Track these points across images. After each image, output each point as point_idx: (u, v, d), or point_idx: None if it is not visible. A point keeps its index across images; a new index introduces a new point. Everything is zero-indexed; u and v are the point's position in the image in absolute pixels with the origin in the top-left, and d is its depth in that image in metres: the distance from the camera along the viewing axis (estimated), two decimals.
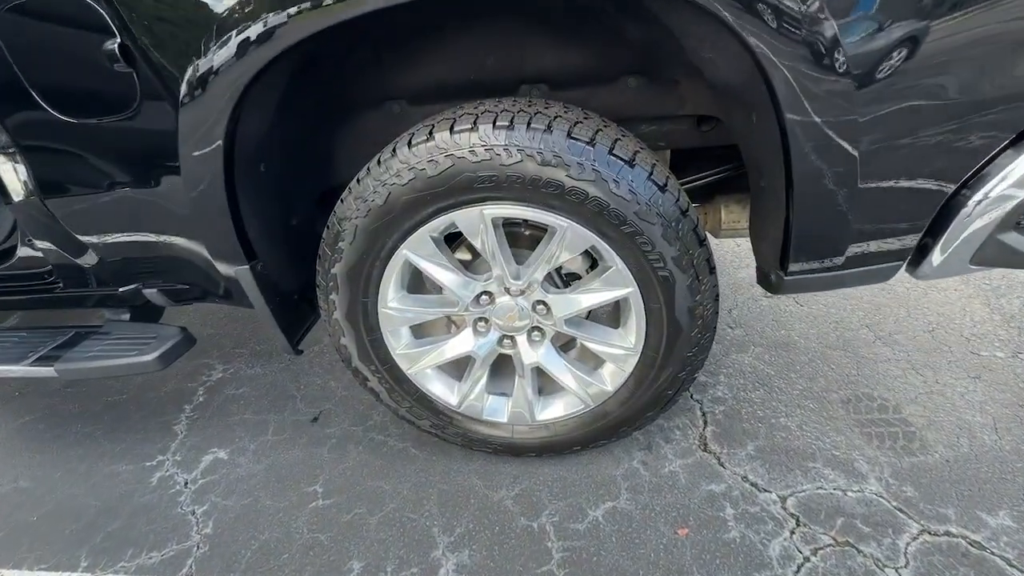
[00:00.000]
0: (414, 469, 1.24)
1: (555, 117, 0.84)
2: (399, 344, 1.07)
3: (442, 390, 1.14)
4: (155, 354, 1.15)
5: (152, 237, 1.03)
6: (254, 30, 0.74)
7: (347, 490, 1.21)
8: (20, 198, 1.03)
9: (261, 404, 1.51)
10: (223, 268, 1.03)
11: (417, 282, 1.09)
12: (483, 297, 1.01)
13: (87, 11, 0.78)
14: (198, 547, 1.12)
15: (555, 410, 1.13)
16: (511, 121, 0.82)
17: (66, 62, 0.85)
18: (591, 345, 1.04)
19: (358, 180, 0.92)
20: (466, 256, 1.12)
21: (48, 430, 1.50)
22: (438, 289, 1.04)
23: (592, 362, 1.11)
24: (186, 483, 1.28)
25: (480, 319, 1.05)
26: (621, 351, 1.01)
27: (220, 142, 0.85)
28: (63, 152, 0.95)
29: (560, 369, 1.07)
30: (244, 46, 0.75)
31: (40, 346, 1.22)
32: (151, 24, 0.78)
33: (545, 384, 1.14)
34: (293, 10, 0.72)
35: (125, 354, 1.17)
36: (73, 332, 1.27)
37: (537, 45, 1.01)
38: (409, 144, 0.86)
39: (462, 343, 1.08)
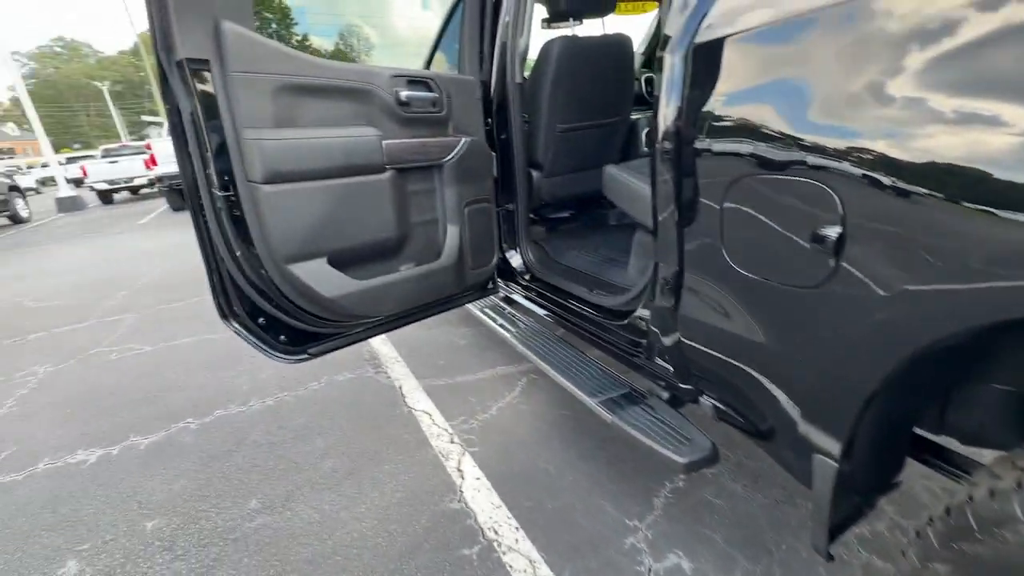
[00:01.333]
0: None
1: None
2: None
3: None
4: (685, 459, 1.22)
5: (750, 370, 1.04)
6: None
7: None
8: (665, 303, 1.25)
9: (733, 534, 1.43)
10: (808, 436, 0.94)
11: None
12: None
13: (818, 194, 0.78)
14: None
15: None
16: None
17: (771, 230, 0.90)
18: None
19: None
20: None
21: (570, 433, 1.94)
22: None
23: None
24: (650, 571, 1.35)
25: None
26: None
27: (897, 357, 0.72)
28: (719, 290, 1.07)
29: None
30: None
31: (608, 390, 1.53)
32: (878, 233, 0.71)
33: None
34: None
35: (662, 442, 1.29)
36: (628, 390, 1.52)
37: None
38: None
39: None
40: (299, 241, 1.34)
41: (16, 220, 10.89)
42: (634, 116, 2.37)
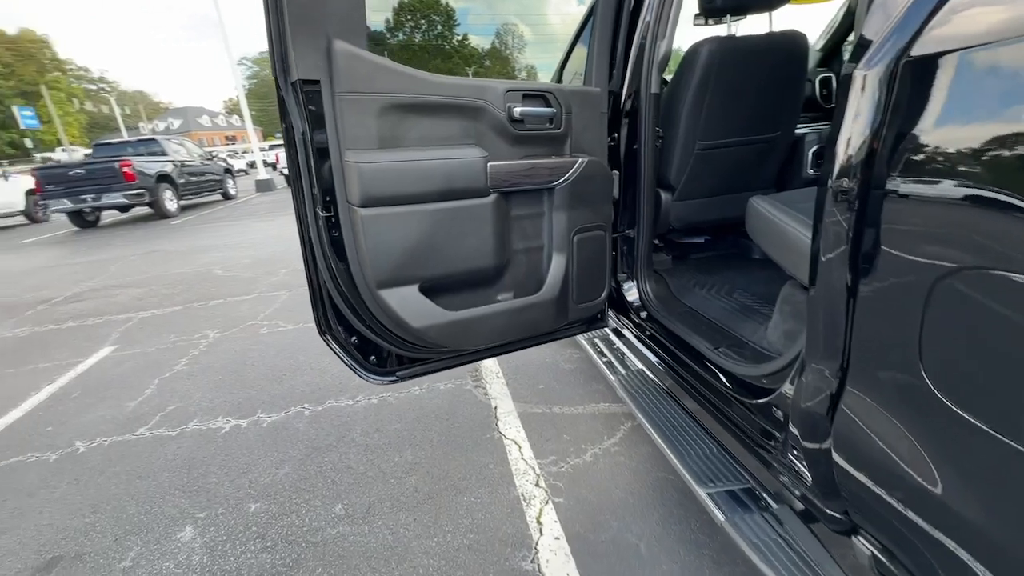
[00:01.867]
0: None
1: None
2: None
3: None
4: None
5: (947, 541, 0.71)
6: None
7: None
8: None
9: None
10: None
11: None
12: None
13: None
14: None
15: None
16: None
17: None
18: None
19: None
20: None
21: (674, 507, 1.65)
22: None
23: None
24: None
25: None
26: None
27: None
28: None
29: None
30: None
31: (724, 478, 1.24)
32: None
33: None
34: None
35: (791, 569, 0.98)
36: (750, 485, 1.21)
37: None
38: None
39: None
40: (392, 267, 1.28)
41: (226, 196, 13.32)
42: (800, 129, 1.93)
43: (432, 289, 1.37)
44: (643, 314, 1.77)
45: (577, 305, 1.64)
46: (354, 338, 1.43)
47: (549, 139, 1.47)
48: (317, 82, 1.15)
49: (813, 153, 1.89)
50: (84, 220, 10.17)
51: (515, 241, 1.49)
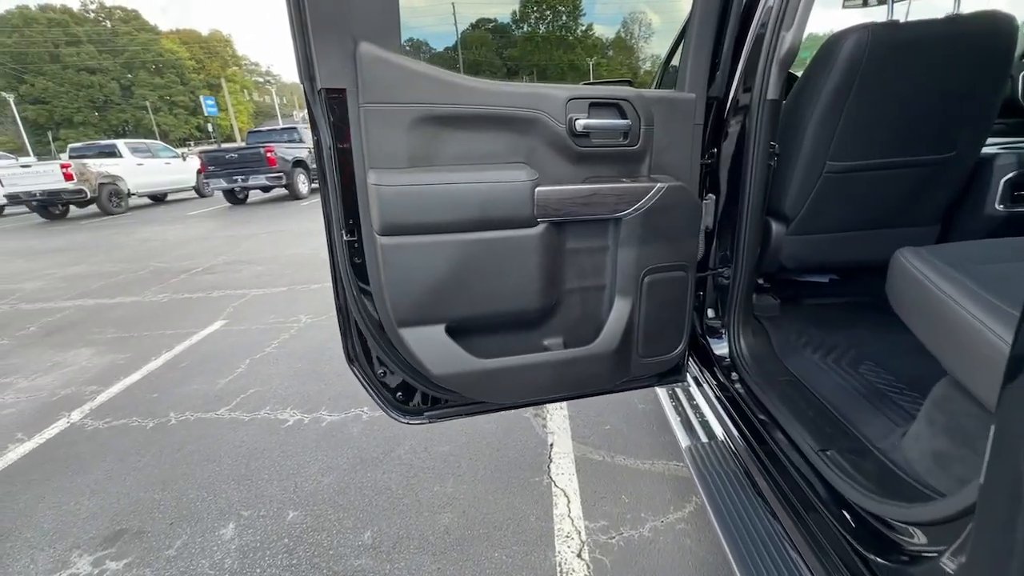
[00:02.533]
0: None
1: None
2: None
3: None
4: None
5: None
6: None
7: None
8: None
9: None
10: None
11: None
12: None
13: None
14: None
15: None
16: None
17: None
18: None
19: None
20: None
21: None
22: None
23: None
24: None
25: None
26: None
27: None
28: None
29: None
30: None
31: None
32: None
33: None
34: None
35: None
36: None
37: None
38: None
39: None
40: (413, 303, 1.12)
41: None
42: (989, 149, 1.41)
43: (461, 331, 1.19)
44: (733, 374, 1.42)
45: (642, 360, 1.35)
46: (382, 371, 1.29)
47: (621, 158, 1.20)
48: (343, 91, 1.01)
49: (1007, 182, 1.36)
50: (235, 197, 11.64)
51: (568, 279, 1.25)
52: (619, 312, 1.27)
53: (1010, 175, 1.34)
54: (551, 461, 1.98)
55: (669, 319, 1.34)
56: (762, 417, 1.25)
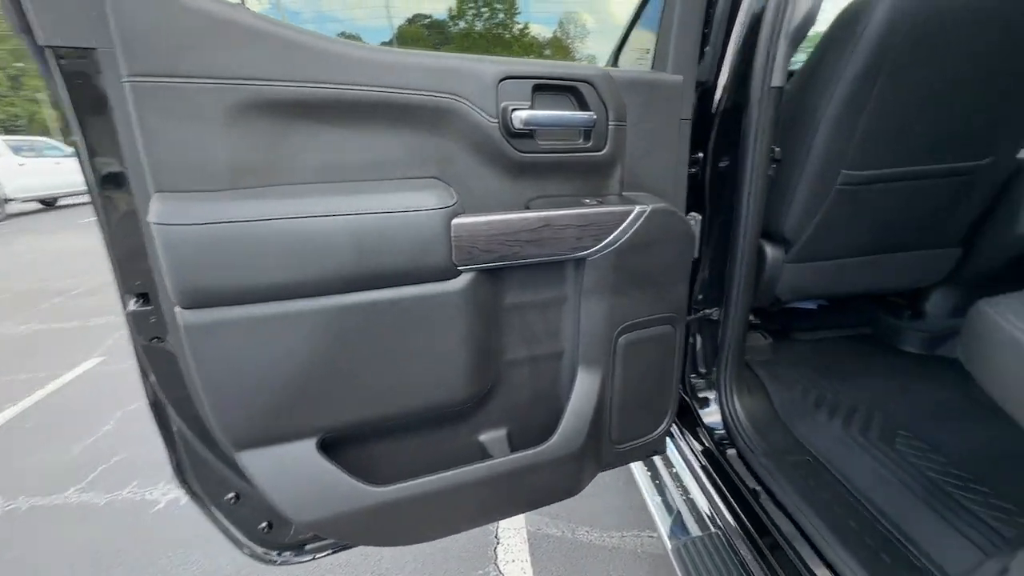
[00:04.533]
0: None
1: None
2: None
3: None
4: None
5: None
6: None
7: None
8: None
9: None
10: None
11: None
12: None
13: None
14: None
15: None
16: None
17: None
18: None
19: None
20: None
21: None
22: None
23: None
24: None
25: None
26: None
27: None
28: None
29: None
30: None
31: None
32: None
33: None
34: None
35: None
36: None
37: None
38: None
39: None
40: (255, 414, 0.68)
41: None
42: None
43: (343, 444, 0.76)
44: (729, 450, 1.09)
45: (616, 448, 0.98)
46: (231, 496, 0.84)
47: (581, 168, 0.82)
48: (90, 52, 0.56)
49: None
50: None
51: (510, 347, 0.85)
52: (585, 389, 0.88)
53: None
54: (499, 542, 1.58)
55: (652, 391, 0.97)
56: (775, 519, 0.91)
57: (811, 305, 1.57)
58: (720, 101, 0.97)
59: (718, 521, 1.10)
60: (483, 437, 0.89)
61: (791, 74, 1.06)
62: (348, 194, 0.64)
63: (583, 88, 0.77)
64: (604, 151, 0.81)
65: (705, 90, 0.95)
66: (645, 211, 0.80)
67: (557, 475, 0.88)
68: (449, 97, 0.69)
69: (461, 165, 0.74)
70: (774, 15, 0.87)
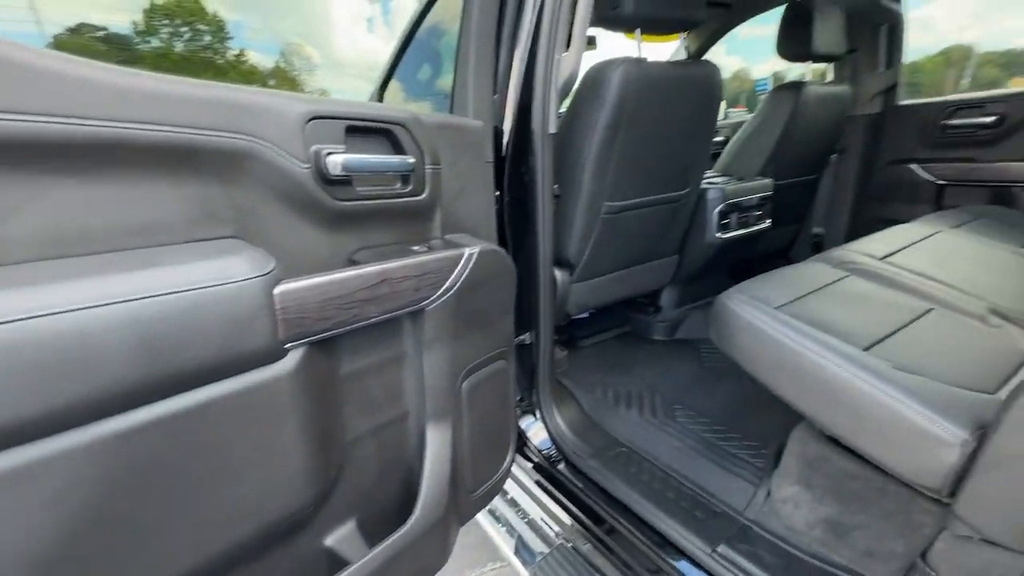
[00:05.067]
0: None
1: None
2: None
3: None
4: None
5: None
6: None
7: None
8: None
9: None
10: None
11: None
12: None
13: None
14: None
15: None
16: None
17: None
18: None
19: None
20: None
21: None
22: None
23: None
24: None
25: None
26: None
27: None
28: None
29: None
30: None
31: None
32: None
33: None
34: None
35: None
36: None
37: None
38: None
39: None
40: None
41: None
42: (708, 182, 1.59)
43: None
44: (560, 464, 1.16)
45: (472, 496, 0.94)
46: None
47: (403, 214, 0.77)
48: None
49: (718, 213, 1.57)
50: None
51: (353, 423, 0.73)
52: (437, 447, 0.81)
53: (719, 207, 1.54)
54: None
55: (496, 428, 0.97)
56: (611, 511, 1.02)
57: (585, 314, 1.83)
58: (508, 145, 1.04)
59: (561, 532, 1.16)
60: (330, 541, 0.73)
61: None
62: (120, 271, 0.44)
63: (397, 131, 0.73)
64: (424, 195, 0.78)
65: (496, 135, 1.02)
66: (475, 253, 0.80)
67: (424, 552, 0.79)
68: (245, 139, 0.55)
69: (266, 219, 0.60)
70: (544, 72, 0.99)
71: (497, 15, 0.92)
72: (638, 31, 1.17)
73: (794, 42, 1.61)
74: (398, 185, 0.75)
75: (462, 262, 0.78)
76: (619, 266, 1.46)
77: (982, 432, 0.65)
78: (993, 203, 1.73)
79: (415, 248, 0.77)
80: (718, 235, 1.55)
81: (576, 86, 1.19)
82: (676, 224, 1.53)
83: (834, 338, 0.85)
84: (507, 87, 1.02)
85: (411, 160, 0.74)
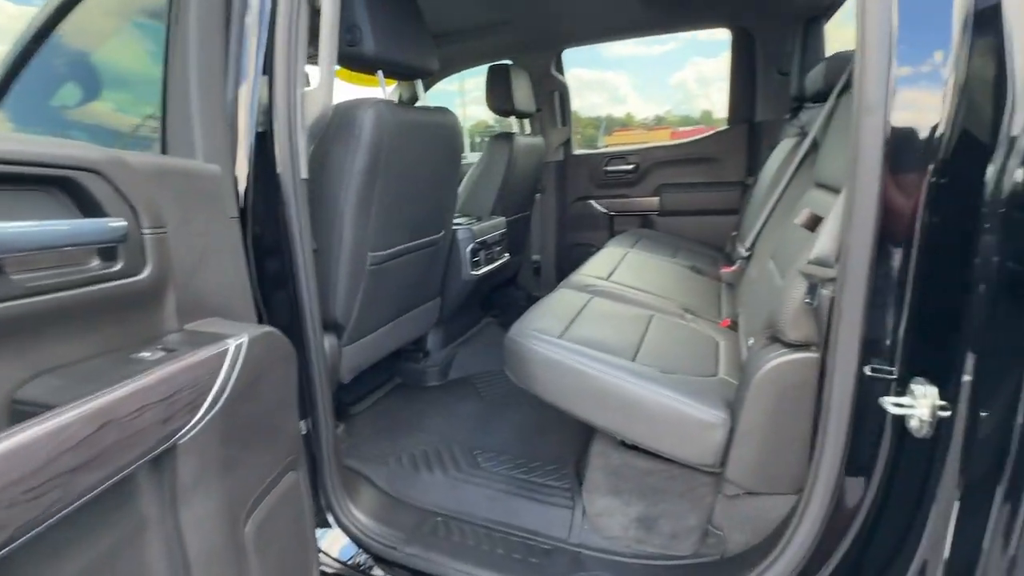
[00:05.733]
0: None
1: None
2: None
3: None
4: None
5: None
6: None
7: None
8: None
9: None
10: None
11: None
12: None
13: None
14: None
15: None
16: None
17: None
18: None
19: None
20: None
21: None
22: None
23: None
24: None
25: None
26: None
27: None
28: None
29: None
30: None
31: None
32: None
33: None
34: None
35: None
36: None
37: None
38: None
39: None
40: None
41: None
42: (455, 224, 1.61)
43: None
44: (375, 570, 0.97)
45: None
46: None
47: (108, 307, 0.50)
48: None
49: (471, 251, 1.61)
50: None
51: None
52: None
53: (470, 246, 1.59)
54: None
55: (294, 562, 0.72)
56: None
57: (383, 386, 1.63)
58: (249, 195, 0.82)
59: None
60: None
61: None
62: None
63: (85, 180, 0.46)
64: (144, 273, 0.52)
65: (235, 180, 0.78)
66: (243, 343, 0.57)
67: None
68: None
69: None
70: (287, 109, 0.82)
71: (223, 40, 0.71)
72: (380, 73, 1.10)
73: (500, 99, 1.85)
74: (94, 263, 0.48)
75: (227, 360, 0.55)
76: (389, 318, 1.34)
77: (731, 411, 0.84)
78: (643, 227, 2.36)
79: (144, 355, 0.50)
80: (473, 272, 1.61)
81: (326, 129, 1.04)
82: (435, 267, 1.51)
83: (612, 356, 0.97)
84: (235, 126, 0.80)
85: (118, 224, 0.48)
